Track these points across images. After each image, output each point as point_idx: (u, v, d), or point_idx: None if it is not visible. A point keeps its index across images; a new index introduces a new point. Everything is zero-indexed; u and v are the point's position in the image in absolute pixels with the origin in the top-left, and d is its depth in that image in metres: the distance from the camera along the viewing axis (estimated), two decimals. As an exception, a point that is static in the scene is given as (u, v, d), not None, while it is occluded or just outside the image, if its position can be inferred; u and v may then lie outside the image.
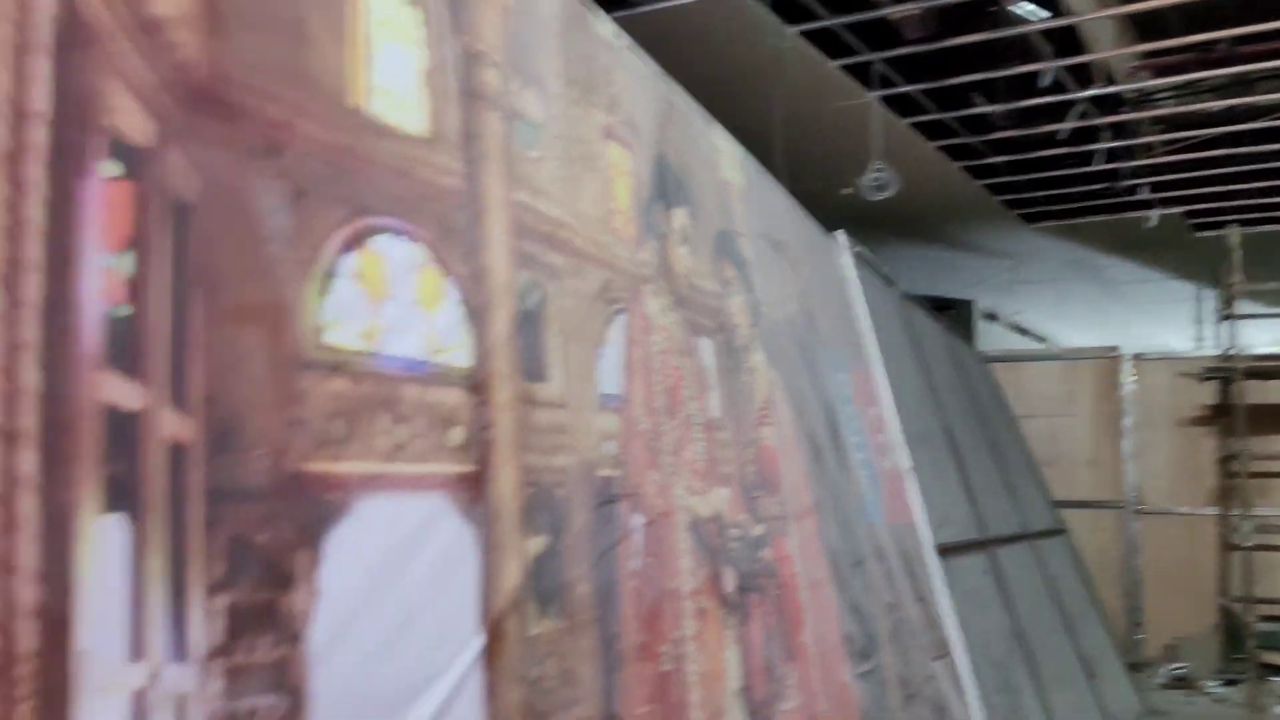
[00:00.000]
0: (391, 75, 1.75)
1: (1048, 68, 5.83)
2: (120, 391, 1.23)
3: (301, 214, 1.53)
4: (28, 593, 1.10)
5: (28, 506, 1.11)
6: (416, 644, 1.61)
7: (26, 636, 1.09)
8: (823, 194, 5.39)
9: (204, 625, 1.29)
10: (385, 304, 1.67)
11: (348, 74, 1.66)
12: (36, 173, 1.16)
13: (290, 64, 1.55)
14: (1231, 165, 7.31)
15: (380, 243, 1.68)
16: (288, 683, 1.39)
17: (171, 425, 1.29)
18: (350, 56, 1.67)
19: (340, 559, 1.49)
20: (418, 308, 1.74)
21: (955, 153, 7.32)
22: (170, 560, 1.27)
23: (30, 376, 1.13)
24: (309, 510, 1.46)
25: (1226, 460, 9.05)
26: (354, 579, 1.51)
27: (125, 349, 1.24)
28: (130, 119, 1.29)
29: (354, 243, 1.63)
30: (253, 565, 1.37)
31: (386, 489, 1.61)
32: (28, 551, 1.10)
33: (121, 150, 1.27)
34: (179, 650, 1.26)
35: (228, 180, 1.42)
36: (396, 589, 1.59)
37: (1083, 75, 6.17)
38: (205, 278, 1.36)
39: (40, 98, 1.17)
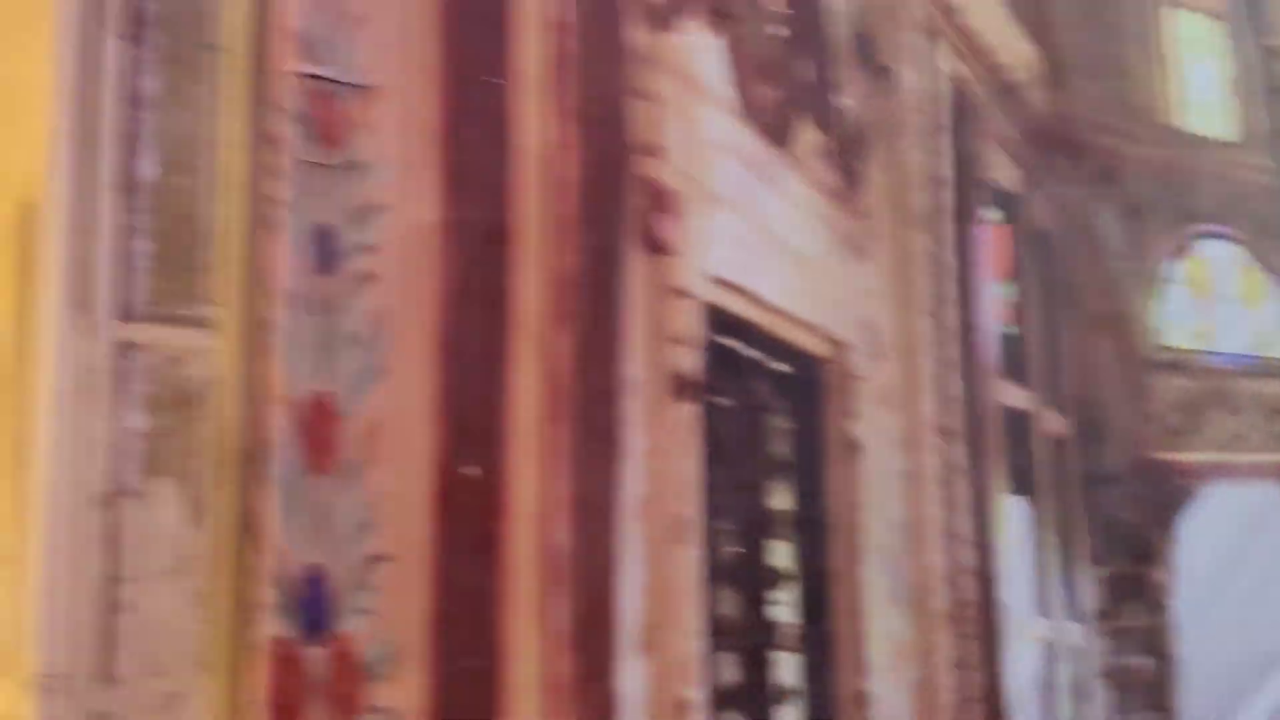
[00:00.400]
0: (1200, 88, 1.87)
1: None
2: (1013, 396, 1.51)
3: (1135, 229, 1.72)
4: (967, 555, 1.41)
5: (961, 488, 1.42)
6: (1265, 622, 1.70)
7: (968, 589, 1.40)
8: None
9: (1090, 592, 1.53)
10: (1212, 304, 1.79)
11: (1162, 95, 1.81)
12: (947, 227, 1.48)
13: (1115, 97, 1.75)
14: None
15: (1203, 247, 1.81)
16: (1156, 647, 1.58)
17: (1051, 422, 1.55)
18: (1163, 78, 1.82)
19: (1192, 540, 1.65)
20: (1241, 305, 1.84)
21: None
22: (1058, 535, 1.52)
23: (955, 386, 1.44)
24: (1161, 494, 1.64)
25: None
26: (1205, 559, 1.66)
27: (1014, 361, 1.52)
28: (1002, 171, 1.57)
29: (1180, 249, 1.77)
30: (1121, 542, 1.58)
31: (1225, 476, 1.74)
32: (964, 523, 1.42)
33: (998, 198, 1.56)
34: (1072, 611, 1.51)
35: (1075, 209, 1.65)
36: (1242, 570, 1.71)
37: None
38: (1066, 295, 1.61)
39: (946, 167, 1.49)
